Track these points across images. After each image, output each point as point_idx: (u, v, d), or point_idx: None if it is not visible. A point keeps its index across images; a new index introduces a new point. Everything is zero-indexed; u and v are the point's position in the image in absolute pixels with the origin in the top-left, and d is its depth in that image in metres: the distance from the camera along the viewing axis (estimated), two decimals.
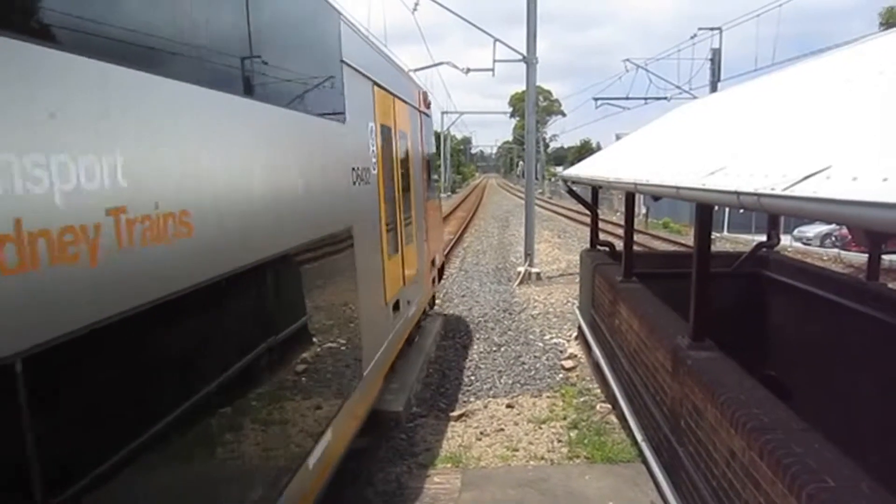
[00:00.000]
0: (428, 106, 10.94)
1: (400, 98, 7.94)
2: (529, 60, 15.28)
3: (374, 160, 6.22)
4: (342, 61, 5.31)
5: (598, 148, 62.04)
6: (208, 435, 2.93)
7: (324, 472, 4.40)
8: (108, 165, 2.12)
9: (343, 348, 5.04)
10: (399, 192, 7.60)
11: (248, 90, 3.52)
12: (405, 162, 8.17)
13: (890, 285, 6.96)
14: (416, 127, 9.40)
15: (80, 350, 2.00)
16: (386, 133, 6.92)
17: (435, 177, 12.38)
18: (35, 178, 1.80)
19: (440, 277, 12.63)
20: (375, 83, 6.47)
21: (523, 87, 16.32)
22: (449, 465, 6.14)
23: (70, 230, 1.94)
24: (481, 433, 6.96)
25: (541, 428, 7.05)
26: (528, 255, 15.97)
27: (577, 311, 10.51)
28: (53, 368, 1.90)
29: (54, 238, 1.87)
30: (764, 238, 8.80)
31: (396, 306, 7.13)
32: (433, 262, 10.86)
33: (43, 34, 1.98)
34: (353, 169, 5.45)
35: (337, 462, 4.75)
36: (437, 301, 12.59)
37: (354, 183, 5.46)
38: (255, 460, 3.41)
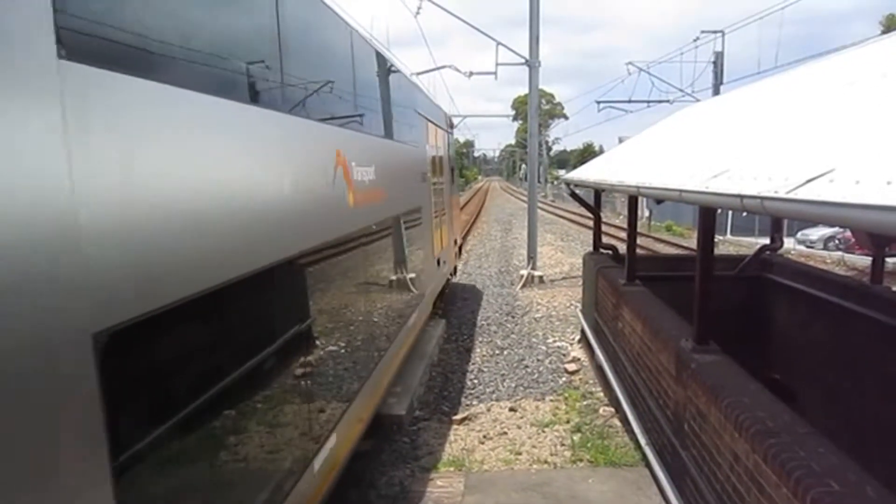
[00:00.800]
0: (451, 126, 14.88)
1: (437, 125, 11.50)
2: (532, 64, 15.28)
3: (427, 167, 9.84)
4: (417, 112, 9.31)
5: (601, 151, 61.98)
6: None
7: (417, 327, 8.50)
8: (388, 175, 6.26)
9: (418, 274, 8.57)
10: (438, 189, 11.15)
11: (398, 139, 7.57)
12: (440, 168, 11.61)
13: (894, 288, 6.92)
14: (445, 143, 12.84)
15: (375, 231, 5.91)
16: (431, 150, 10.48)
17: (461, 180, 19.85)
18: (366, 173, 5.60)
19: (459, 252, 16.99)
20: (428, 119, 10.25)
21: (526, 91, 16.33)
22: (452, 469, 6.13)
23: (375, 190, 5.91)
24: (484, 437, 6.95)
25: (544, 431, 7.04)
26: (531, 258, 15.96)
27: (580, 315, 10.50)
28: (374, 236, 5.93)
29: (374, 192, 5.90)
30: (767, 241, 8.79)
31: (438, 262, 10.88)
32: (455, 241, 14.87)
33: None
34: (422, 173, 9.30)
35: (422, 325, 9.21)
36: (450, 287, 14.58)
37: (422, 181, 9.28)
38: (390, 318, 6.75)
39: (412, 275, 8.08)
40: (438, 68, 19.53)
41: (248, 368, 3.23)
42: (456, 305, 13.42)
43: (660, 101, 27.18)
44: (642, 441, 5.84)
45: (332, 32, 5.31)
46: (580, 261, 12.72)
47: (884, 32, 32.36)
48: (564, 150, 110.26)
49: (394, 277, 7.12)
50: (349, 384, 5.04)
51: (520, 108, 77.95)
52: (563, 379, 8.82)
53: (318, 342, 4.41)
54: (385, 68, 7.20)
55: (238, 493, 3.17)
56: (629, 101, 28.51)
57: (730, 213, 23.94)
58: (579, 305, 11.27)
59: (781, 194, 2.69)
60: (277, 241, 3.53)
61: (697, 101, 20.96)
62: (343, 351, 5.06)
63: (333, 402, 4.61)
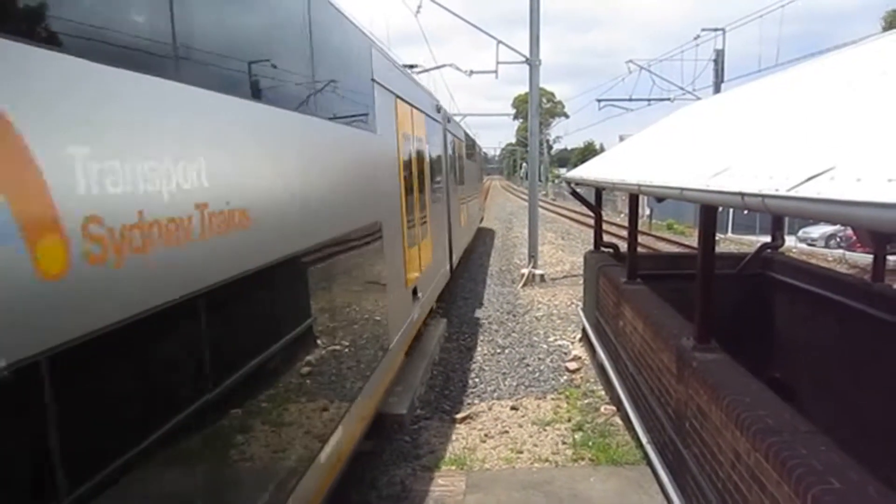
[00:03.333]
0: (480, 149, 38.86)
1: (478, 149, 33.40)
2: (532, 62, 15.27)
3: (479, 168, 32.51)
4: (475, 149, 30.23)
5: (602, 149, 61.93)
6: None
7: (477, 221, 27.11)
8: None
9: (474, 215, 22.97)
10: (481, 178, 36.13)
11: (474, 161, 26.40)
12: (480, 166, 34.22)
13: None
14: (480, 157, 37.26)
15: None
16: (478, 161, 32.13)
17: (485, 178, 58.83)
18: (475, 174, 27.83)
19: (483, 209, 34.24)
20: (478, 148, 33.89)
21: (526, 89, 16.32)
22: (453, 468, 6.13)
23: (476, 177, 30.12)
24: (486, 435, 6.96)
25: (545, 430, 7.04)
26: (532, 256, 15.96)
27: (581, 313, 10.49)
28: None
29: (476, 177, 30.25)
30: (768, 239, 8.78)
31: (480, 208, 30.08)
32: (483, 203, 35.00)
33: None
34: (478, 171, 31.98)
35: (472, 245, 23.49)
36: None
37: (476, 177, 28.69)
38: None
39: (479, 205, 27.36)
40: (438, 67, 19.56)
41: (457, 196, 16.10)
42: (457, 304, 13.43)
43: (660, 100, 27.14)
44: (644, 439, 5.84)
45: (476, 147, 30.28)
46: (581, 259, 12.72)
47: (884, 30, 32.27)
48: (565, 149, 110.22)
49: (478, 204, 27.22)
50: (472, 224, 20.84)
51: (520, 106, 77.85)
52: (565, 377, 8.83)
53: (467, 210, 18.63)
54: (474, 142, 28.70)
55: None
56: (630, 100, 28.48)
57: (731, 211, 23.92)
58: (580, 304, 11.26)
59: (782, 192, 2.69)
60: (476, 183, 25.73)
61: (698, 99, 20.94)
62: (466, 218, 17.78)
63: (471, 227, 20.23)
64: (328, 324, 4.27)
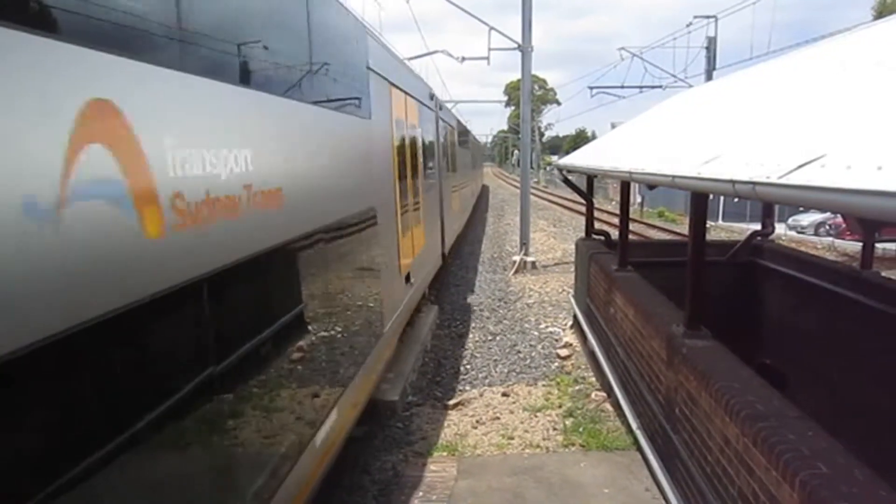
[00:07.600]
0: (481, 145, 65.14)
1: (478, 145, 50.12)
2: (524, 49, 15.18)
3: (480, 158, 48.66)
4: (474, 140, 39.31)
5: (594, 137, 62.00)
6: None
7: (479, 188, 41.27)
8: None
9: (477, 182, 37.58)
10: (478, 164, 44.21)
11: (478, 152, 43.60)
12: (480, 157, 50.18)
13: (884, 273, 6.98)
14: (481, 151, 59.77)
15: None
16: (479, 154, 48.87)
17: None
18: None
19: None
20: (477, 143, 45.78)
21: (519, 76, 16.24)
22: (445, 454, 6.17)
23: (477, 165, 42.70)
24: (477, 422, 6.99)
25: (536, 416, 7.08)
26: (524, 244, 15.97)
27: (573, 300, 10.53)
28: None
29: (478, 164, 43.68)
30: (759, 227, 8.83)
31: (483, 186, 48.61)
32: (481, 182, 48.32)
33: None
34: (477, 157, 41.88)
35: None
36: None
37: (474, 164, 33.97)
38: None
39: (479, 180, 42.29)
40: (430, 53, 19.35)
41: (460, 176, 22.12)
42: (449, 291, 13.44)
43: (652, 87, 27.05)
44: (634, 425, 5.89)
45: (480, 146, 56.06)
46: (572, 247, 12.76)
47: (875, 19, 32.28)
48: (557, 136, 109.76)
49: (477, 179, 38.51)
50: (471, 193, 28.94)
51: (512, 93, 77.35)
52: (556, 364, 8.87)
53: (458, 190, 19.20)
54: (479, 142, 52.36)
55: None
56: (622, 87, 28.33)
57: (722, 198, 24.03)
58: (572, 291, 11.31)
59: (773, 179, 2.70)
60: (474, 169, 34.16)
61: (690, 86, 20.92)
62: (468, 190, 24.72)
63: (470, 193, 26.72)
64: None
